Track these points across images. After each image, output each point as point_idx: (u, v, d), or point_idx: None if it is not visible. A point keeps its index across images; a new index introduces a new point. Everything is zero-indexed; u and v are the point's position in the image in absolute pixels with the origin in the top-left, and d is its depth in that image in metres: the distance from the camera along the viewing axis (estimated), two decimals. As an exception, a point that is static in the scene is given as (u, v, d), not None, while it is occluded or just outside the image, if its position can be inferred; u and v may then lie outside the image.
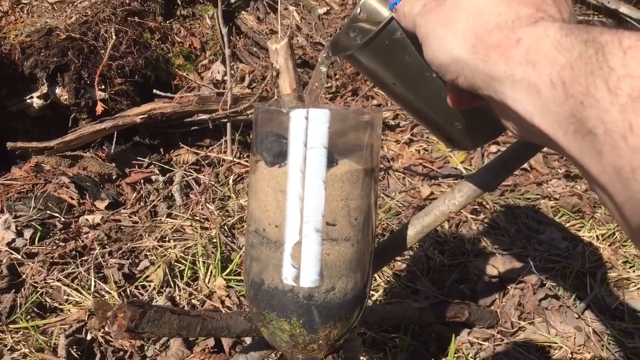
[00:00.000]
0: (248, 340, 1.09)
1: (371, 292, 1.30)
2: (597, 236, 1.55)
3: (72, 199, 1.49)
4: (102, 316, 0.74)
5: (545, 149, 1.91)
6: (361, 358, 1.15)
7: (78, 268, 1.27)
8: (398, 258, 1.44)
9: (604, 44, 0.31)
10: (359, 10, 0.65)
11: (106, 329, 0.89)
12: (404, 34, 0.53)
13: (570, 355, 1.22)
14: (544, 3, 0.42)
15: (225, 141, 1.73)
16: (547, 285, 1.37)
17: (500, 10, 0.41)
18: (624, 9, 2.65)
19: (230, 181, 1.62)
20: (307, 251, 0.65)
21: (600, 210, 1.67)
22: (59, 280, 1.23)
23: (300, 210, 0.64)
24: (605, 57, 0.30)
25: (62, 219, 1.42)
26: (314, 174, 0.63)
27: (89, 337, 1.15)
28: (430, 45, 0.47)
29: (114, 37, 1.73)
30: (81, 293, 1.21)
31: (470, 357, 1.20)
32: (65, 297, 1.21)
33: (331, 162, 0.64)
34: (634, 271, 1.45)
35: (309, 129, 0.62)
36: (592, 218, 1.63)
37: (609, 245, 1.52)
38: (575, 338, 1.25)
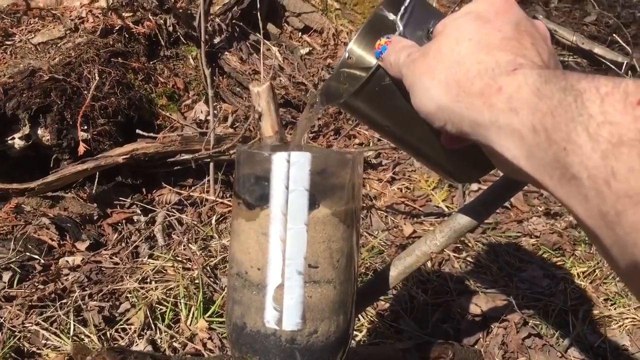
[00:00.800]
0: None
1: (355, 332, 1.30)
2: (578, 274, 1.57)
3: (53, 240, 1.47)
4: (81, 361, 0.73)
5: (525, 187, 1.93)
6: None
7: (57, 311, 1.24)
8: (381, 298, 1.43)
9: (582, 91, 0.32)
10: (347, 55, 0.67)
11: (85, 374, 0.87)
12: (392, 81, 0.55)
13: (555, 395, 1.22)
14: (523, 47, 0.43)
15: (208, 181, 1.73)
16: (530, 324, 1.38)
17: (480, 58, 0.42)
18: (598, 50, 2.72)
19: (213, 221, 1.61)
20: (289, 294, 0.65)
21: (581, 248, 1.68)
22: (37, 324, 1.21)
23: (282, 252, 0.64)
24: (584, 105, 0.32)
25: (42, 261, 1.40)
26: (296, 217, 0.63)
27: (67, 383, 1.12)
28: (416, 94, 0.48)
29: (97, 77, 1.74)
30: (60, 337, 1.19)
31: (455, 398, 1.19)
32: (43, 342, 1.18)
33: (313, 204, 0.64)
34: (615, 309, 1.46)
35: (290, 171, 0.63)
36: (572, 255, 1.65)
37: (590, 283, 1.54)
38: (559, 377, 1.25)
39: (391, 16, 0.59)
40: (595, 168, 0.30)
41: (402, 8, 0.54)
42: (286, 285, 0.64)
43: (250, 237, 0.67)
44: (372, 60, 0.61)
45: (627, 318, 1.42)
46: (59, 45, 1.94)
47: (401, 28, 0.54)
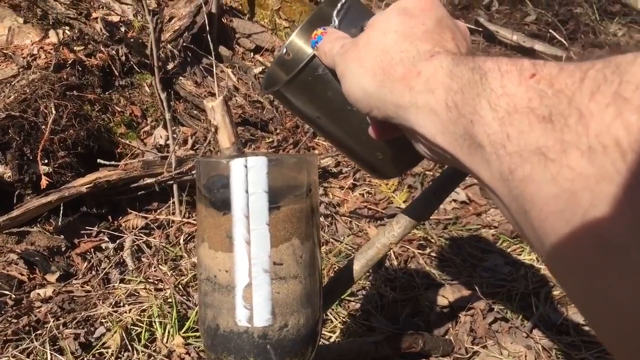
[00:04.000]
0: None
1: (329, 333, 1.34)
2: (536, 258, 1.63)
3: (22, 274, 1.48)
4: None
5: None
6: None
7: (33, 343, 1.25)
8: (352, 299, 1.48)
9: (487, 70, 0.37)
10: (285, 50, 0.71)
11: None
12: (326, 71, 0.59)
13: (524, 373, 1.27)
14: (443, 40, 0.48)
15: (173, 203, 1.75)
16: (495, 309, 1.43)
17: (403, 47, 0.47)
18: (539, 47, 2.84)
19: (181, 241, 1.64)
20: (257, 292, 0.68)
21: (538, 234, 1.75)
22: (14, 356, 1.21)
23: (247, 253, 0.67)
24: (487, 81, 0.36)
25: (13, 296, 1.40)
26: (257, 218, 0.67)
27: (48, 412, 1.13)
28: (346, 81, 0.52)
29: (53, 111, 1.75)
30: (38, 367, 1.20)
31: (430, 386, 1.24)
32: (21, 374, 1.19)
33: (273, 205, 0.68)
34: (574, 287, 1.52)
35: (249, 176, 0.66)
36: (530, 241, 1.72)
37: (549, 266, 1.60)
38: (526, 356, 1.31)
39: (331, 13, 0.63)
40: (494, 134, 0.34)
41: (339, 4, 0.59)
42: (254, 284, 0.68)
43: (216, 242, 0.70)
44: (309, 52, 0.64)
45: (586, 295, 1.49)
46: (12, 83, 1.94)
47: (336, 22, 0.59)
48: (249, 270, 0.68)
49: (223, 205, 0.69)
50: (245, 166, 0.67)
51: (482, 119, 0.35)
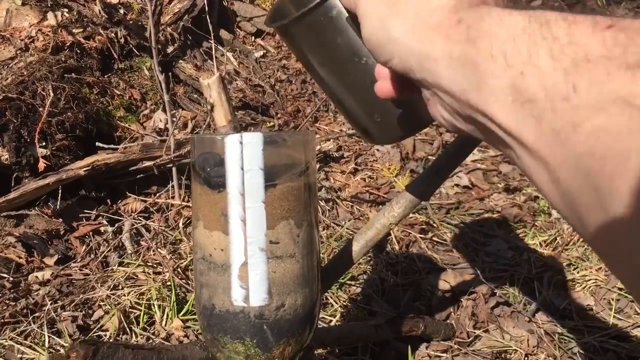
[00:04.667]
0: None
1: (329, 317, 1.32)
2: (540, 243, 1.62)
3: (20, 257, 1.47)
4: (58, 367, 0.74)
5: (483, 166, 1.99)
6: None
7: (30, 325, 1.24)
8: (353, 283, 1.46)
9: (548, 19, 0.32)
10: None
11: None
12: (340, 14, 0.53)
13: (526, 357, 1.26)
14: None
15: (172, 186, 1.74)
16: (497, 294, 1.42)
17: None
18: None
19: (181, 224, 1.62)
20: (253, 271, 0.66)
21: (541, 218, 1.74)
22: (11, 339, 1.20)
23: (243, 231, 0.66)
24: (549, 29, 0.31)
25: (11, 279, 1.39)
26: (253, 196, 0.65)
27: (45, 394, 1.12)
28: (368, 23, 0.46)
29: (51, 94, 1.73)
30: (35, 349, 1.19)
31: (430, 370, 1.23)
32: (19, 356, 1.18)
33: (269, 182, 0.66)
34: (577, 272, 1.51)
35: (244, 152, 0.65)
36: (533, 226, 1.70)
37: (552, 250, 1.59)
38: (528, 340, 1.29)
39: None
40: (553, 86, 0.30)
41: None
42: (250, 263, 0.66)
43: (211, 220, 0.69)
44: None
45: (589, 280, 1.48)
46: (10, 65, 1.92)
47: None
48: (245, 249, 0.67)
49: (218, 183, 0.67)
50: (241, 142, 0.65)
51: (539, 70, 0.31)
